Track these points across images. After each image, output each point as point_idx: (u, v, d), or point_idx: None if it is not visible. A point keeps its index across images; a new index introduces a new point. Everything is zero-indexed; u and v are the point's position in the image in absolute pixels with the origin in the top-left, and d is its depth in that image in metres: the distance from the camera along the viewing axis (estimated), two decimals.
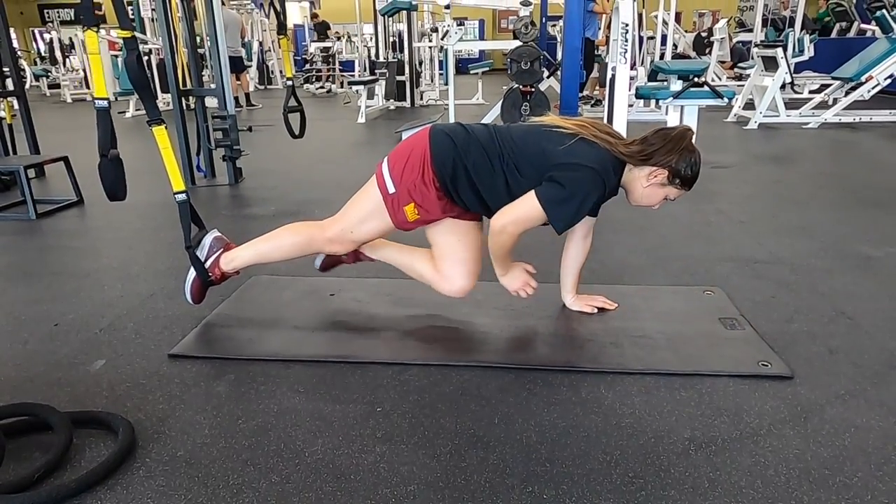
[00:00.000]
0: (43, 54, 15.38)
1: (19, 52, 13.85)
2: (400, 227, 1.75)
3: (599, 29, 7.96)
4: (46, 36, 14.41)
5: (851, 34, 10.09)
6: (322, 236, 1.81)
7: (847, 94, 6.31)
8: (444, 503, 1.15)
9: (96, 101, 1.72)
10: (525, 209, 1.63)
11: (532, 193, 1.62)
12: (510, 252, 1.75)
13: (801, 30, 9.65)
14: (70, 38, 12.60)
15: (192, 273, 1.89)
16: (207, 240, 1.89)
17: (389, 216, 1.71)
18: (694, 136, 1.68)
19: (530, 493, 1.17)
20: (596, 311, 1.92)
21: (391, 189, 1.68)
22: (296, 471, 1.24)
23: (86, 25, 1.71)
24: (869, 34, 8.50)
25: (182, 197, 1.82)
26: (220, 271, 1.87)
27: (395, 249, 1.95)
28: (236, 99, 7.57)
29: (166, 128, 1.78)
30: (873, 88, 6.11)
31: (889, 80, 6.12)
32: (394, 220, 1.72)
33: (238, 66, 8.56)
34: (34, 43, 17.85)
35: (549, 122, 1.69)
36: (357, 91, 7.70)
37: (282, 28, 3.61)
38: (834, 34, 10.64)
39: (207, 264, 1.87)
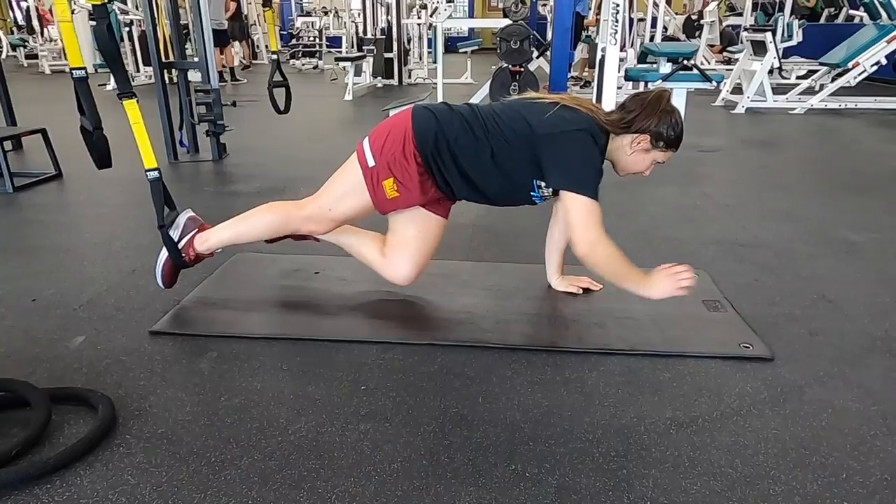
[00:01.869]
0: (20, 23, 14.93)
1: None
2: (379, 207, 1.72)
3: (590, 9, 7.90)
4: (24, 4, 13.97)
5: (840, 20, 10.11)
6: (299, 214, 1.77)
7: (834, 80, 6.34)
8: (428, 481, 1.15)
9: (73, 72, 1.66)
10: (579, 212, 1.57)
11: (565, 194, 1.59)
12: (625, 261, 1.60)
13: (791, 15, 9.65)
14: (50, 7, 12.23)
15: (163, 254, 1.82)
16: (181, 219, 1.83)
17: (369, 193, 1.69)
18: (671, 97, 1.66)
19: (513, 471, 1.18)
20: (581, 291, 1.93)
21: (371, 162, 1.66)
22: (278, 448, 1.23)
23: None
24: (857, 20, 8.52)
25: (154, 175, 1.75)
26: (195, 252, 1.81)
27: (342, 230, 1.88)
28: (220, 73, 7.43)
29: (138, 101, 1.72)
30: (859, 75, 6.14)
31: (875, 67, 6.15)
32: (373, 197, 1.69)
33: (222, 39, 8.39)
34: (10, 11, 17.31)
35: (532, 96, 1.71)
36: (344, 68, 7.59)
37: (267, 1, 3.54)
38: (822, 20, 10.66)
39: (181, 245, 1.81)
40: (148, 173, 1.76)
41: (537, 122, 1.61)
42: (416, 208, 1.73)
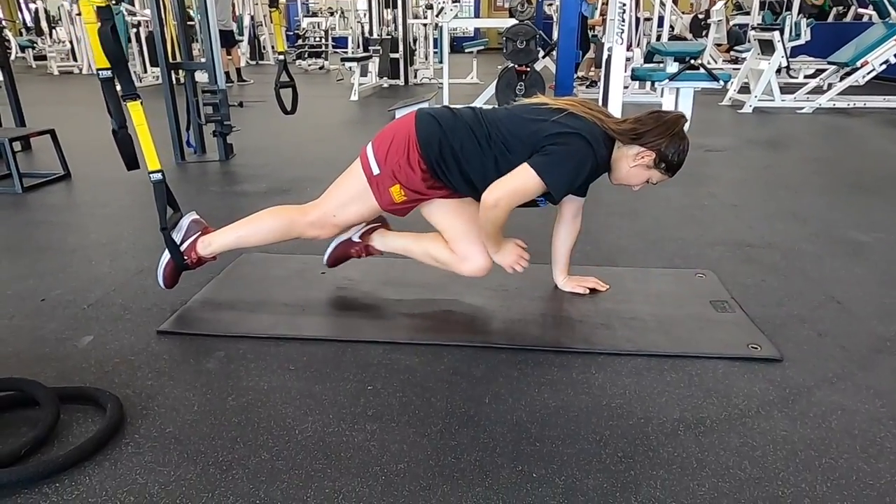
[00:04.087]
0: (29, 25, 15.02)
1: (4, 23, 13.52)
2: (387, 210, 1.72)
3: (596, 9, 7.88)
4: (32, 6, 14.05)
5: (848, 18, 10.05)
6: (303, 220, 1.76)
7: (842, 79, 6.30)
8: (435, 481, 1.15)
9: (100, 72, 1.67)
10: (519, 180, 1.59)
11: (525, 164, 1.59)
12: (502, 228, 1.68)
13: (798, 13, 9.59)
14: (58, 8, 12.30)
15: (165, 256, 1.83)
16: (185, 222, 1.83)
17: (375, 198, 1.69)
18: (687, 125, 1.66)
19: (520, 471, 1.17)
20: (588, 292, 1.93)
21: (375, 170, 1.67)
22: (286, 448, 1.24)
23: None
24: (866, 19, 8.47)
25: (157, 177, 1.76)
26: (197, 255, 1.81)
27: (407, 239, 1.88)
28: (227, 74, 7.45)
29: (142, 103, 1.73)
30: (868, 74, 6.09)
31: (884, 66, 6.10)
32: (379, 202, 1.70)
33: (229, 40, 8.41)
34: (20, 13, 17.41)
35: (538, 101, 1.69)
36: (350, 68, 7.60)
37: (274, 2, 3.54)
38: (831, 18, 10.60)
39: (184, 247, 1.81)
40: (151, 175, 1.77)
41: (542, 128, 1.60)
42: (439, 200, 1.72)
